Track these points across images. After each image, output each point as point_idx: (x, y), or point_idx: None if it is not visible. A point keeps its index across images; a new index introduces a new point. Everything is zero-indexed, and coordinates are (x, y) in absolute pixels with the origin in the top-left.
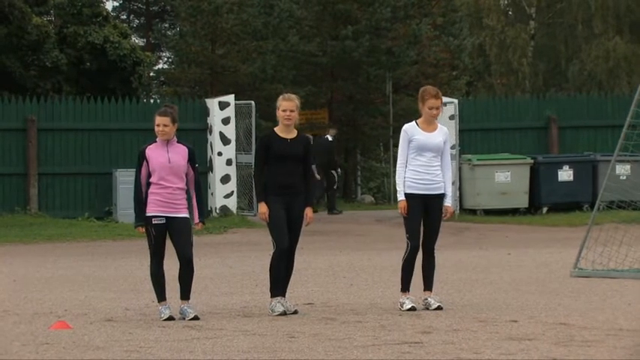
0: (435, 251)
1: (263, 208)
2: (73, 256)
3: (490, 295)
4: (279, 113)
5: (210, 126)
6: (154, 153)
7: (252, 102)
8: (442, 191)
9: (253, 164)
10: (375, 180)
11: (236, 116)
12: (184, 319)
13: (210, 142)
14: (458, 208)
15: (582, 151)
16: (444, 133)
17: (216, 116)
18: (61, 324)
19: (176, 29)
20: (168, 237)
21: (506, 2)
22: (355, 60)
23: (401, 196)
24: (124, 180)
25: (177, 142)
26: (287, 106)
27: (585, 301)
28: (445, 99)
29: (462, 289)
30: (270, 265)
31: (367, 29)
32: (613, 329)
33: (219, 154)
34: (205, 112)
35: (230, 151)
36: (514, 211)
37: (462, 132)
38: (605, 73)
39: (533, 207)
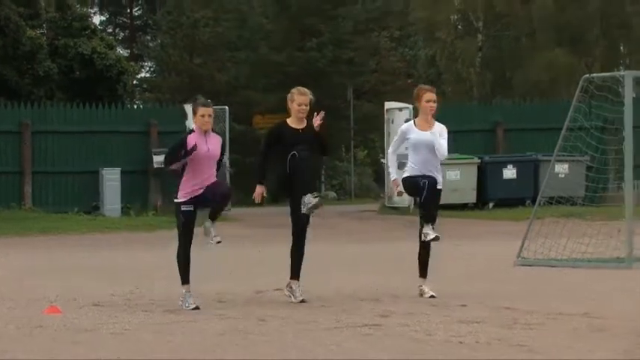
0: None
1: (259, 189)
2: (64, 247)
3: (442, 282)
4: (293, 106)
5: (189, 129)
6: (198, 142)
7: (226, 107)
8: (439, 186)
9: (260, 149)
10: (338, 178)
11: None
12: (209, 238)
13: None
14: (413, 203)
15: (525, 152)
16: (440, 129)
17: None
18: (52, 309)
19: (157, 41)
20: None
21: (456, 17)
22: (319, 69)
23: (393, 176)
24: (110, 178)
25: (212, 131)
26: (302, 100)
27: (528, 288)
28: (401, 104)
29: (417, 277)
30: (292, 250)
31: (330, 41)
32: (553, 313)
33: None
34: (184, 116)
35: None
36: (463, 206)
37: None
38: (547, 81)
39: (481, 202)
